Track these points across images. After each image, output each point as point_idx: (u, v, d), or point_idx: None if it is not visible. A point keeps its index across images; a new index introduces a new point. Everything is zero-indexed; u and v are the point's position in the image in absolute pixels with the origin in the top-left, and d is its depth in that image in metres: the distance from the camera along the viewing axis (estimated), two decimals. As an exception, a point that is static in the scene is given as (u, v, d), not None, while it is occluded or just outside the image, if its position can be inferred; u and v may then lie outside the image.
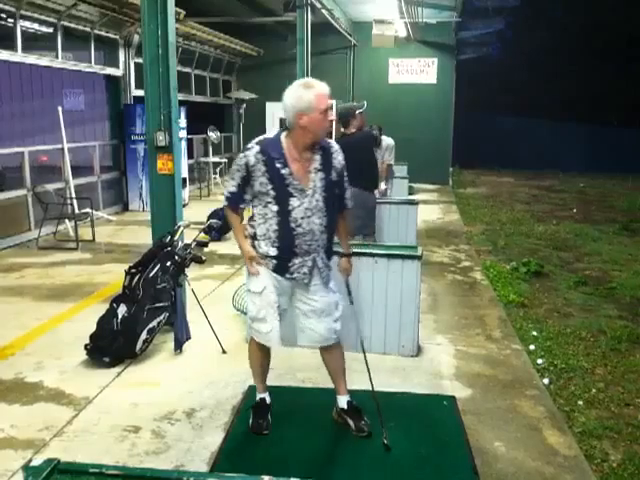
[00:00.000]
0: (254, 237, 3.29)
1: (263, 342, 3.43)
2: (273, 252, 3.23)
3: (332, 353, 3.51)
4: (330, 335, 3.40)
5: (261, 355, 3.51)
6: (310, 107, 3.06)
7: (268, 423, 3.51)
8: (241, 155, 3.21)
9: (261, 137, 3.24)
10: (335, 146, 3.33)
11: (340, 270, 3.56)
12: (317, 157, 3.21)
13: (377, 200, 6.49)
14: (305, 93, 3.07)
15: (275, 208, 3.18)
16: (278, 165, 3.13)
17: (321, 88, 3.12)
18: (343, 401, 3.55)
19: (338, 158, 3.30)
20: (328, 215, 3.25)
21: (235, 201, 3.29)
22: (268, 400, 3.60)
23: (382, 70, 16.30)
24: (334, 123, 6.18)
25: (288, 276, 3.27)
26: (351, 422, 3.49)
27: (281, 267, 3.26)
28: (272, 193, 3.16)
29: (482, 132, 22.13)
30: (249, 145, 3.20)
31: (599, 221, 11.25)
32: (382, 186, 7.36)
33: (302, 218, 3.17)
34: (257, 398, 3.61)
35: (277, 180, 3.13)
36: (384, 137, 8.26)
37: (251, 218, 3.32)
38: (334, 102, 3.12)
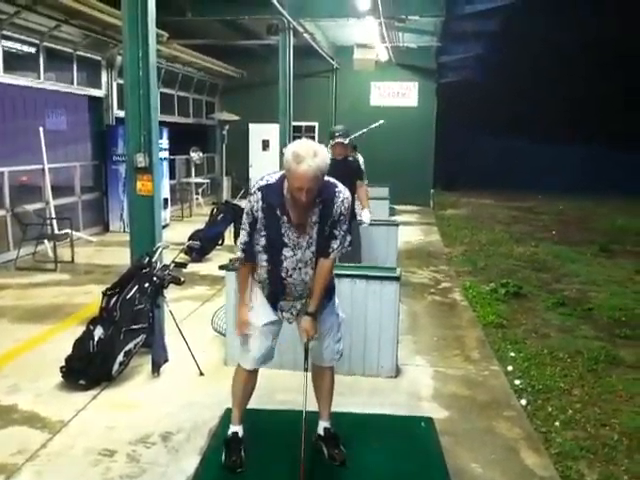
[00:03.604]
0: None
1: (239, 361, 3.41)
2: (265, 292, 3.26)
3: (324, 376, 3.47)
4: (333, 355, 3.41)
5: (247, 380, 3.41)
6: (288, 177, 2.94)
7: (242, 460, 3.36)
8: (246, 202, 3.13)
9: (263, 182, 3.09)
10: (341, 196, 3.09)
11: (300, 330, 3.30)
12: (316, 210, 3.06)
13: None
14: (291, 163, 2.87)
15: (264, 257, 3.15)
16: (278, 213, 3.04)
17: (304, 169, 2.84)
18: (321, 427, 3.52)
19: (341, 208, 3.08)
20: None
21: (249, 250, 3.18)
22: (241, 434, 3.46)
23: (364, 93, 16.46)
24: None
25: (278, 310, 3.28)
26: (325, 449, 3.46)
27: (272, 300, 3.27)
28: (263, 242, 3.12)
29: (463, 154, 22.40)
30: (252, 190, 3.10)
31: (578, 242, 11.37)
32: (366, 214, 6.56)
33: (293, 269, 3.13)
34: (230, 431, 3.48)
35: (273, 228, 3.07)
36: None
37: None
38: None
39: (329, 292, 3.34)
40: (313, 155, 2.86)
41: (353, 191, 6.21)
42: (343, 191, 3.12)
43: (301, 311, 3.26)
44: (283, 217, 3.05)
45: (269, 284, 3.22)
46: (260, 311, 3.29)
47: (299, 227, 3.08)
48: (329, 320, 3.35)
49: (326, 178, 3.03)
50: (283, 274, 3.14)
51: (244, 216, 3.16)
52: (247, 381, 3.42)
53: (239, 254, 3.23)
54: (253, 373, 3.42)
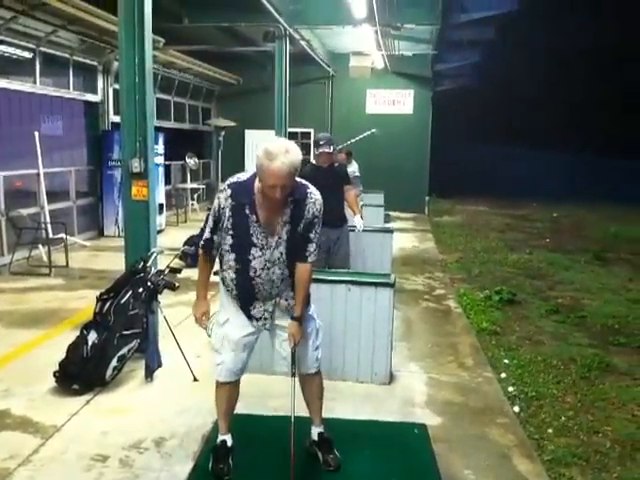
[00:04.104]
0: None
1: (215, 374, 3.38)
2: (234, 295, 3.23)
3: (310, 382, 3.44)
4: (311, 363, 3.38)
5: (229, 392, 3.38)
6: (260, 175, 2.93)
7: (229, 467, 3.35)
8: (215, 198, 3.14)
9: (234, 179, 3.12)
10: (313, 197, 3.10)
11: (287, 334, 3.24)
12: (287, 210, 3.06)
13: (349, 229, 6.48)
14: (263, 160, 2.87)
15: (232, 257, 3.13)
16: (246, 211, 3.03)
17: (277, 165, 2.83)
18: (315, 432, 3.51)
19: (312, 210, 3.10)
20: (291, 265, 3.17)
21: (209, 246, 3.20)
22: (229, 443, 3.43)
23: (360, 100, 16.54)
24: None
25: (253, 320, 3.25)
26: (320, 455, 3.45)
27: (244, 308, 3.25)
28: (230, 241, 3.10)
29: (459, 162, 22.52)
30: (222, 187, 3.11)
31: (572, 250, 11.41)
32: (358, 219, 6.60)
33: (262, 269, 3.11)
34: (218, 440, 3.45)
35: (241, 227, 3.05)
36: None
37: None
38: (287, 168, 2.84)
39: (307, 298, 3.33)
40: (285, 152, 2.87)
41: (342, 197, 6.25)
42: (315, 192, 3.14)
43: (274, 312, 3.25)
44: (252, 216, 3.04)
45: (237, 286, 3.18)
46: (237, 323, 3.26)
47: (268, 227, 3.07)
48: (309, 325, 3.35)
49: (298, 180, 3.05)
50: (251, 274, 3.11)
51: (210, 213, 3.16)
52: (229, 393, 3.39)
53: (201, 245, 3.23)
54: (233, 384, 3.39)
